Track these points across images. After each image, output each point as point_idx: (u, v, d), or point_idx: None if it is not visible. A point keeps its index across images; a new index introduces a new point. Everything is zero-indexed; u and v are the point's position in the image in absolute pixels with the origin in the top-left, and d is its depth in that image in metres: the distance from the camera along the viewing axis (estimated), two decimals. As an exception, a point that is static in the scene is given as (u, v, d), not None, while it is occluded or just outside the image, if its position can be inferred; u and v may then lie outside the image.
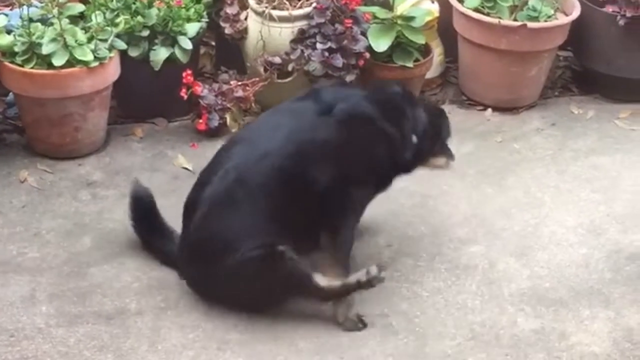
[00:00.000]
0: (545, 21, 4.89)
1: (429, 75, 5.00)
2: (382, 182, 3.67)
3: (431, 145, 3.75)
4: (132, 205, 3.75)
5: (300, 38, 4.64)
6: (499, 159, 4.59)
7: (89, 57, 4.21)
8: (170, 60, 4.51)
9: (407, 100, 3.72)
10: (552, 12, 4.94)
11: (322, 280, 3.41)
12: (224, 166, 3.50)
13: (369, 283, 3.40)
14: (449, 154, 3.86)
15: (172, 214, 3.76)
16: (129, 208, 3.76)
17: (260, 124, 3.79)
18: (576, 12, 4.95)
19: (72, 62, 4.20)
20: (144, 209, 3.76)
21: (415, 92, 4.87)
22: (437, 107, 4.09)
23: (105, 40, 4.32)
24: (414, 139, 3.63)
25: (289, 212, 3.41)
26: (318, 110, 3.53)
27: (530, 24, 4.79)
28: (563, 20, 4.95)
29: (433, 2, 5.01)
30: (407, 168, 3.73)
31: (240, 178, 3.43)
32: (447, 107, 5.00)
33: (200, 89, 4.57)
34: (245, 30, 4.75)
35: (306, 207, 3.42)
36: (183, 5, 4.58)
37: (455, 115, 4.93)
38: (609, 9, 5.02)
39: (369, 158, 3.55)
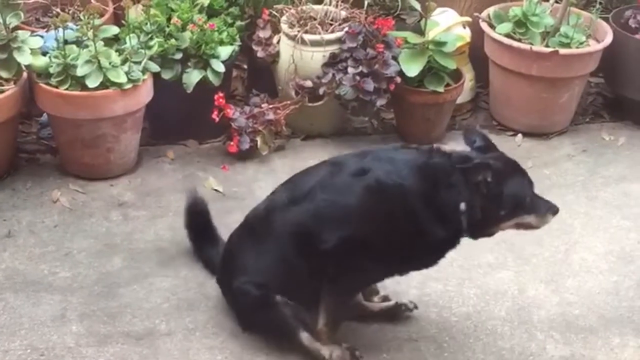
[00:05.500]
0: (577, 47, 4.88)
1: (460, 100, 5.01)
2: (414, 258, 3.36)
3: (494, 210, 3.25)
4: (188, 211, 3.83)
5: (332, 62, 4.66)
6: (529, 184, 4.58)
7: (123, 79, 4.25)
8: (203, 82, 4.54)
9: (461, 163, 3.27)
10: (584, 38, 4.93)
11: (306, 339, 3.41)
12: (269, 196, 3.57)
13: None
14: (540, 210, 3.33)
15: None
16: (185, 213, 3.84)
17: (310, 169, 3.63)
18: (608, 39, 4.95)
19: (105, 84, 4.24)
20: (198, 216, 3.84)
21: (446, 117, 4.88)
22: (507, 161, 3.35)
23: (138, 63, 4.36)
24: (462, 207, 3.21)
25: (296, 264, 3.37)
26: (353, 171, 3.33)
27: (562, 51, 4.79)
28: (595, 47, 4.94)
29: (464, 27, 5.02)
30: (454, 240, 3.32)
31: (267, 214, 3.48)
32: (477, 132, 5.01)
33: (232, 112, 4.60)
34: (277, 53, 4.78)
35: (312, 264, 3.34)
36: (216, 29, 4.61)
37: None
38: (641, 36, 5.03)
39: (387, 233, 3.26)
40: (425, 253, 3.34)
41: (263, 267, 3.43)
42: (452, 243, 3.32)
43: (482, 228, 3.30)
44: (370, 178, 3.27)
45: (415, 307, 3.68)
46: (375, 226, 3.25)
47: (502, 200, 3.22)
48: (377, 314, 3.67)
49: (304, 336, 3.41)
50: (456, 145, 4.83)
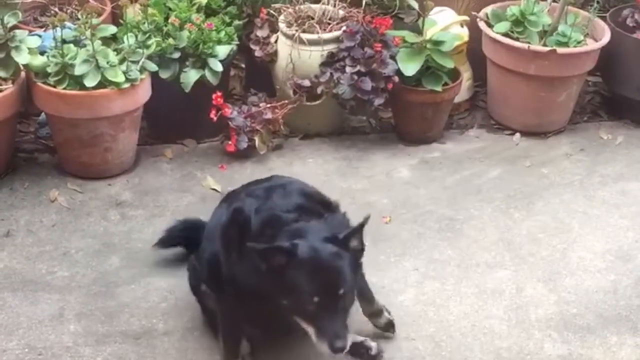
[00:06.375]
0: (575, 47, 4.88)
1: (458, 99, 5.01)
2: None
3: (271, 290, 2.98)
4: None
5: (330, 61, 4.66)
6: (527, 183, 4.58)
7: (121, 78, 4.25)
8: (201, 82, 4.54)
9: (293, 231, 3.04)
10: (581, 37, 4.93)
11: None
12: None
13: None
14: (323, 334, 2.92)
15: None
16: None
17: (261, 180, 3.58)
18: (606, 38, 4.95)
19: (103, 83, 4.24)
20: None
21: (443, 116, 4.89)
22: (319, 258, 2.94)
23: (136, 62, 4.36)
24: (262, 267, 2.95)
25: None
26: (250, 191, 3.35)
27: (560, 50, 4.79)
28: (593, 46, 4.94)
29: (462, 26, 5.02)
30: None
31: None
32: (475, 131, 5.03)
33: (230, 111, 4.60)
34: (275, 53, 4.79)
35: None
36: (214, 28, 4.61)
37: (484, 140, 4.95)
38: (639, 35, 5.02)
39: (222, 256, 3.24)
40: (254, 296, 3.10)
41: (200, 256, 3.49)
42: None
43: (274, 303, 3.01)
44: (242, 202, 3.25)
45: (380, 354, 3.47)
46: (222, 249, 3.23)
47: (283, 289, 2.94)
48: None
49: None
50: (455, 146, 4.87)
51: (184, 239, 3.85)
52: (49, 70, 4.28)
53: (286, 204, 3.18)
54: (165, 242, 3.88)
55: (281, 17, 4.80)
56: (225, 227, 3.24)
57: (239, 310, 3.25)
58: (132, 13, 4.58)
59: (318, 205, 3.20)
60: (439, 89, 4.72)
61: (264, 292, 2.99)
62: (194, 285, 3.54)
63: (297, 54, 4.68)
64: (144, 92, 4.42)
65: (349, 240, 2.98)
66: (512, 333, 3.65)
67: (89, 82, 4.22)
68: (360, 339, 3.48)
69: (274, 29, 4.82)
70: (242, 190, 3.42)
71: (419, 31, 4.75)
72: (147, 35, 4.46)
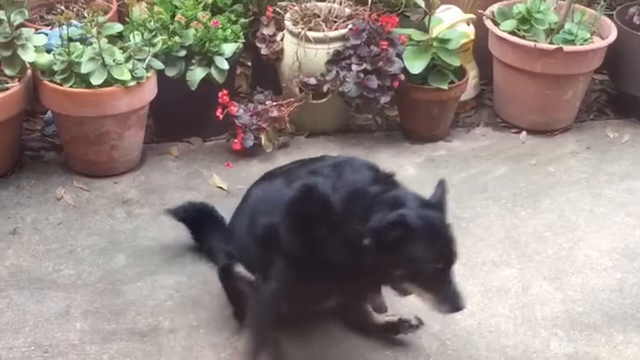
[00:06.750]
0: (582, 45, 4.88)
1: (464, 97, 5.01)
2: (318, 271, 3.16)
3: (388, 264, 2.99)
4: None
5: (336, 59, 4.66)
6: (533, 181, 4.58)
7: (127, 76, 4.25)
8: (207, 80, 4.55)
9: (390, 202, 3.04)
10: (588, 35, 4.93)
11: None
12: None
13: None
14: (440, 293, 3.01)
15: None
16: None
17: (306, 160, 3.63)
18: (612, 36, 4.94)
19: (109, 81, 4.25)
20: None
21: (449, 114, 4.88)
22: (433, 227, 3.01)
23: (142, 60, 4.36)
24: (365, 242, 2.97)
25: (250, 243, 3.40)
26: (308, 170, 3.33)
27: (566, 48, 4.79)
28: (599, 44, 4.94)
29: (469, 24, 5.02)
30: (355, 270, 3.07)
31: (250, 188, 3.62)
32: (481, 130, 5.02)
33: (236, 109, 4.60)
34: (281, 51, 4.79)
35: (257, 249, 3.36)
36: (220, 26, 4.62)
37: (490, 138, 4.95)
38: (646, 33, 5.03)
39: (298, 236, 3.17)
40: (327, 271, 3.13)
41: (234, 238, 3.50)
42: (355, 273, 3.09)
43: (380, 277, 3.11)
44: (309, 180, 3.23)
45: (421, 322, 3.56)
46: (291, 225, 3.18)
47: (397, 260, 2.96)
48: (379, 328, 3.58)
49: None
50: (461, 144, 4.87)
51: (192, 218, 3.90)
52: (55, 68, 4.28)
53: (363, 177, 3.18)
54: (175, 213, 3.92)
55: (287, 15, 4.80)
56: (295, 204, 3.18)
57: (286, 285, 3.24)
58: (138, 11, 4.60)
59: (385, 177, 3.24)
60: (445, 87, 4.72)
61: (348, 266, 3.03)
62: (224, 267, 3.49)
63: (303, 52, 4.68)
64: (150, 90, 4.42)
65: (443, 204, 3.08)
66: (518, 331, 3.64)
67: (95, 80, 4.22)
68: (394, 318, 3.54)
69: (280, 27, 4.82)
70: (296, 169, 3.41)
71: (425, 29, 4.74)
72: (153, 33, 4.46)
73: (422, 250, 2.94)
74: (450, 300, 3.01)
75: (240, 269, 3.43)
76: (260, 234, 3.31)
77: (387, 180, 3.21)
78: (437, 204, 3.07)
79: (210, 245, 3.83)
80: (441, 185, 3.12)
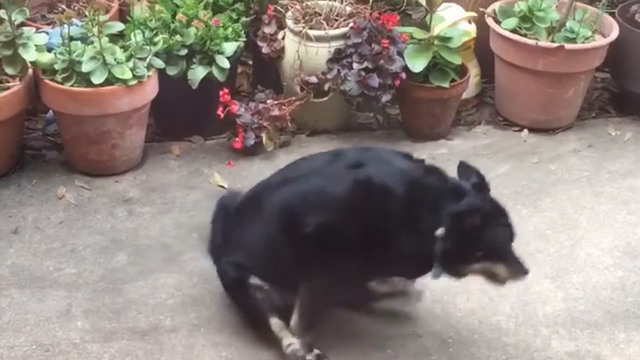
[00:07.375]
0: (583, 43, 4.87)
1: (465, 95, 5.00)
2: (386, 262, 3.33)
3: (468, 249, 3.23)
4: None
5: (337, 58, 4.66)
6: (534, 180, 4.58)
7: (128, 75, 4.26)
8: (208, 79, 4.54)
9: (453, 191, 3.27)
10: (589, 33, 4.92)
11: (276, 325, 3.43)
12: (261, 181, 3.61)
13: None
14: (512, 267, 3.29)
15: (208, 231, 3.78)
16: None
17: (313, 155, 3.67)
18: (614, 34, 4.93)
19: (111, 80, 4.25)
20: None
21: (451, 112, 4.88)
22: (497, 207, 3.31)
23: (143, 59, 4.36)
24: (439, 232, 3.18)
25: (279, 247, 3.37)
26: (349, 163, 3.36)
27: (568, 46, 4.78)
28: (601, 41, 4.93)
29: (470, 22, 5.01)
30: (426, 265, 3.30)
31: (258, 194, 3.54)
32: (483, 128, 5.02)
33: (237, 108, 4.60)
34: (282, 49, 4.79)
35: (294, 249, 3.32)
36: (221, 25, 4.62)
37: (492, 136, 4.94)
38: (648, 30, 5.02)
39: (363, 230, 3.23)
40: (397, 261, 3.32)
41: (246, 247, 3.45)
42: (425, 264, 3.29)
43: (452, 262, 3.26)
44: (361, 173, 3.29)
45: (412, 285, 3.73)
46: (353, 220, 3.23)
47: (479, 243, 3.21)
48: (383, 295, 3.68)
49: (274, 322, 3.42)
50: (462, 142, 4.87)
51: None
52: (56, 67, 4.28)
53: (411, 167, 3.37)
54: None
55: (288, 14, 4.80)
56: (354, 200, 3.23)
57: (344, 280, 3.36)
58: (140, 10, 4.59)
59: (421, 163, 3.45)
60: (446, 85, 4.71)
61: (414, 255, 3.24)
62: (237, 280, 3.46)
63: (304, 51, 4.68)
64: (151, 89, 4.42)
65: (487, 185, 3.36)
66: (520, 330, 3.64)
67: (96, 79, 4.22)
68: (385, 288, 3.70)
69: (281, 26, 4.82)
70: (325, 164, 3.42)
71: (426, 27, 4.74)
72: (154, 32, 4.47)
73: (500, 231, 3.25)
74: (521, 267, 3.29)
75: (255, 280, 3.40)
76: (314, 235, 3.24)
77: (426, 167, 3.39)
78: (484, 185, 3.33)
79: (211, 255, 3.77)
80: (471, 170, 3.39)
